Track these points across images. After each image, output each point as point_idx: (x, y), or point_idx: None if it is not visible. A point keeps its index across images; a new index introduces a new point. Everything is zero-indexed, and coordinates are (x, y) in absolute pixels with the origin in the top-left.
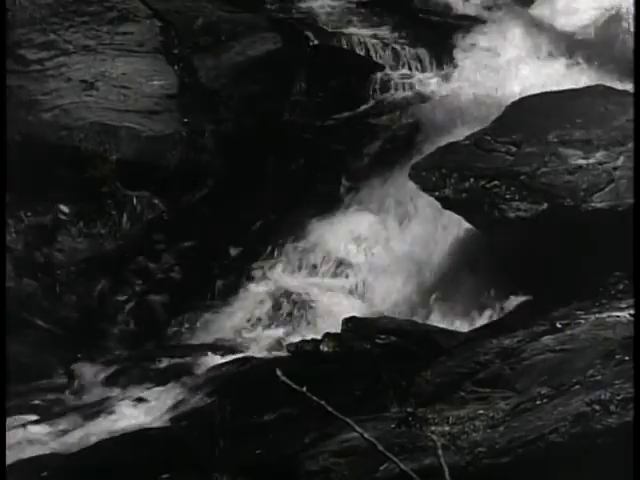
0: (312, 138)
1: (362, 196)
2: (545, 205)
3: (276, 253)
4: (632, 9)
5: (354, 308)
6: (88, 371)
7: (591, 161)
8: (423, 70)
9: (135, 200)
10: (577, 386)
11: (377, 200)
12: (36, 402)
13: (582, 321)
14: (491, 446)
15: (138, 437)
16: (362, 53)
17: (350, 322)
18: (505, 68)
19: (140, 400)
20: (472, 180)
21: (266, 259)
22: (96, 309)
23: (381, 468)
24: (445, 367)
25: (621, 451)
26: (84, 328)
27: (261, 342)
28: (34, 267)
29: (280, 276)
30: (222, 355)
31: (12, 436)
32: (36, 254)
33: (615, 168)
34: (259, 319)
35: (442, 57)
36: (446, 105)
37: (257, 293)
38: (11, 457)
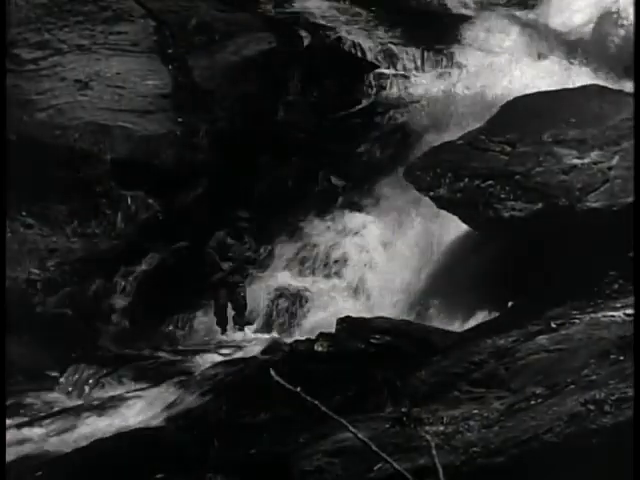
0: (307, 137)
1: (357, 196)
2: (540, 205)
3: (272, 253)
4: (629, 8)
5: (350, 307)
6: (83, 371)
7: (586, 160)
8: (418, 70)
9: (130, 199)
10: (572, 386)
11: (372, 199)
12: (32, 402)
13: (577, 321)
14: (485, 446)
15: (133, 437)
16: (357, 53)
17: (345, 322)
18: (500, 68)
19: (135, 400)
20: (467, 180)
21: (262, 259)
22: (91, 309)
23: (375, 468)
24: (440, 367)
25: (616, 451)
26: (79, 328)
27: (256, 342)
28: (30, 267)
29: (276, 275)
30: (217, 355)
31: (8, 435)
32: (32, 253)
33: (610, 168)
34: (254, 318)
35: (437, 57)
36: (441, 104)
37: (252, 293)
38: (7, 456)
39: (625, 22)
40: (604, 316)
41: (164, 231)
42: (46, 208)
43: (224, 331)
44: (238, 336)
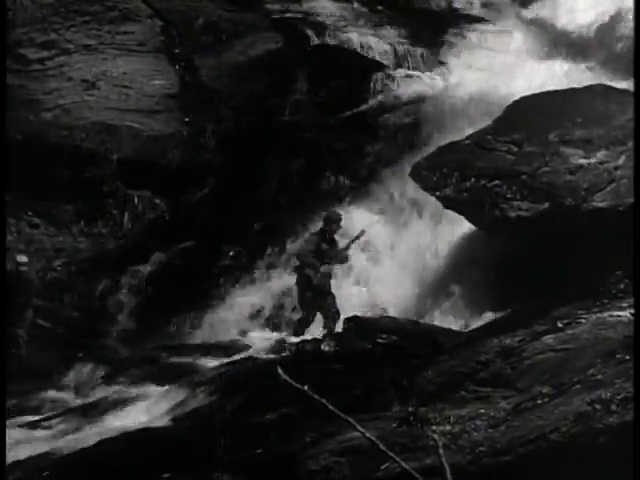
0: (313, 137)
1: (363, 195)
2: (546, 204)
3: (277, 252)
4: (632, 9)
5: (356, 307)
6: (89, 370)
7: (592, 160)
8: (424, 69)
9: (136, 199)
10: (578, 385)
11: (379, 199)
12: (37, 402)
13: (583, 320)
14: (492, 445)
15: (139, 437)
16: (363, 52)
17: (351, 321)
18: (506, 67)
19: (141, 399)
20: (473, 179)
21: (267, 258)
22: (97, 309)
23: (382, 467)
24: (446, 366)
25: (622, 450)
26: (85, 327)
27: (262, 341)
28: (35, 267)
29: (281, 275)
30: (223, 355)
31: (13, 435)
32: (39, 253)
33: (616, 167)
34: (261, 318)
35: (443, 56)
36: (447, 104)
37: (258, 292)
38: (12, 457)
39: (630, 22)
40: (610, 316)
41: (171, 231)
42: (52, 208)
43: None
44: (245, 335)
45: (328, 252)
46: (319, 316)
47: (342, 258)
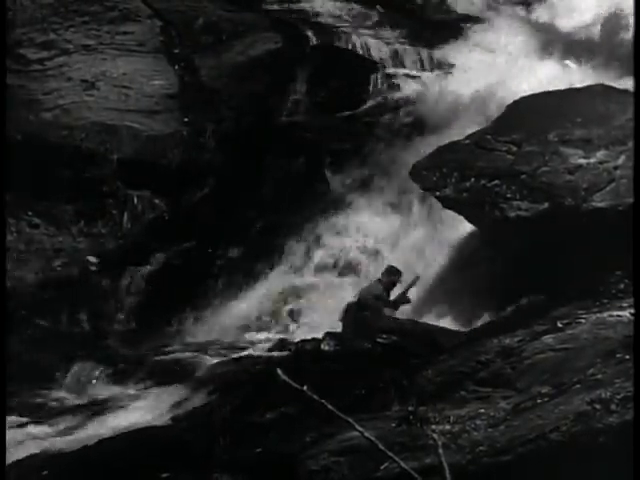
0: (313, 137)
1: (363, 195)
2: (546, 204)
3: (277, 252)
4: (631, 9)
5: None
6: (89, 370)
7: (592, 160)
8: (423, 69)
9: (136, 199)
10: (578, 385)
11: (379, 199)
12: (37, 401)
13: (583, 320)
14: (492, 445)
15: (139, 436)
16: (362, 53)
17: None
18: (505, 67)
19: (141, 399)
20: (473, 179)
21: (267, 258)
22: (97, 308)
23: (381, 467)
24: (446, 366)
25: (622, 450)
26: (85, 327)
27: (262, 341)
28: (35, 266)
29: (281, 275)
30: (223, 354)
31: (13, 435)
32: (38, 253)
33: (616, 167)
34: (260, 318)
35: (442, 56)
36: (447, 104)
37: (258, 292)
38: (12, 456)
39: (631, 22)
40: (610, 316)
41: (170, 231)
42: (52, 208)
43: None
44: (244, 335)
45: (389, 300)
46: (321, 315)
47: (406, 300)
